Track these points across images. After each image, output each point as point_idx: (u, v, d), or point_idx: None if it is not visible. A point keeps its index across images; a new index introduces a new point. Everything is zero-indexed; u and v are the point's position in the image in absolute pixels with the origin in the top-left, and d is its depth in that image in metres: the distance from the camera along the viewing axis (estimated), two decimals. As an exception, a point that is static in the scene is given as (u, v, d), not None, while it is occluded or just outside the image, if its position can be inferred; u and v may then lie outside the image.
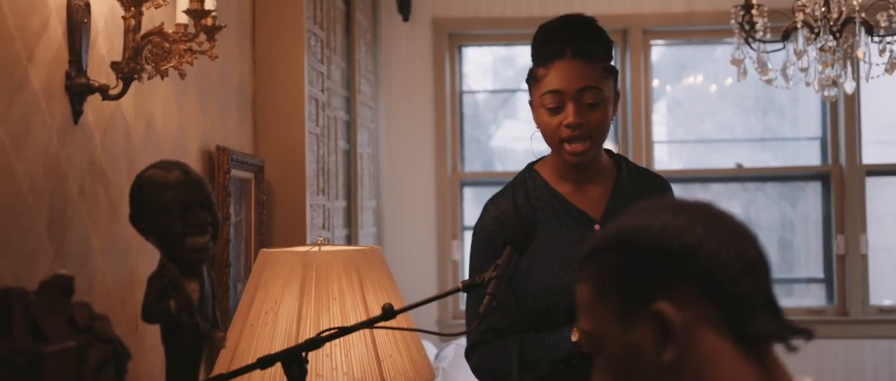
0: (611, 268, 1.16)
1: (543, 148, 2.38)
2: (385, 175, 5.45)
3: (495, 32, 5.66)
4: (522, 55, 6.02)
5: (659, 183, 2.39)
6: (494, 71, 5.98)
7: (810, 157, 5.73)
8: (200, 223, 1.71)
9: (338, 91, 4.40)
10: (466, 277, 2.44)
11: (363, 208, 4.88)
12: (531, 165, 2.43)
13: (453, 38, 5.65)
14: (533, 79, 2.31)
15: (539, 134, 2.37)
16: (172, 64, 2.07)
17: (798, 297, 5.72)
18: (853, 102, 5.46)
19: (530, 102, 2.35)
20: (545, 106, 2.27)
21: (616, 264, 1.15)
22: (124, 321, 2.26)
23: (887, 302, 5.62)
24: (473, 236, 2.42)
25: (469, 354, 2.36)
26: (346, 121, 4.60)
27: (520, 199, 2.36)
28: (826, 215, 5.66)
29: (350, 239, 4.66)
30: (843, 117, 5.53)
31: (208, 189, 1.75)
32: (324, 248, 2.50)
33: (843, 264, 5.54)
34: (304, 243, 3.41)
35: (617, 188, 2.34)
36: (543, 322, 2.28)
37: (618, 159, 2.41)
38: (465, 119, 5.81)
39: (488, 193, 5.86)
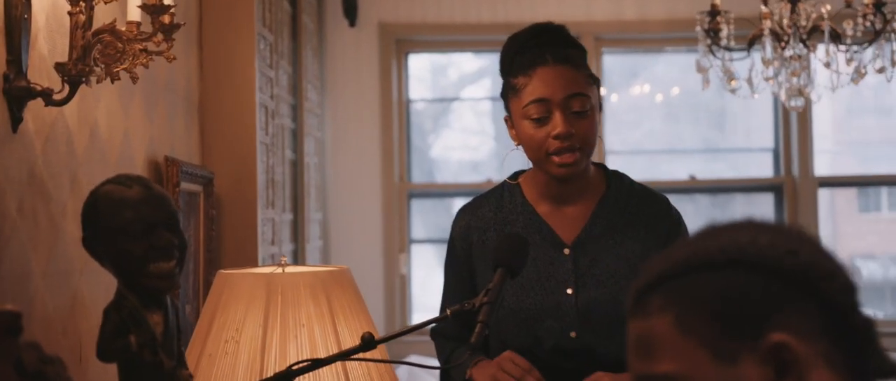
0: (709, 293, 0.97)
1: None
2: (331, 186, 5.22)
3: (443, 38, 5.48)
4: (460, 63, 5.85)
5: (656, 204, 2.19)
6: (432, 79, 5.80)
7: (762, 168, 5.65)
8: (165, 246, 1.49)
9: (285, 98, 4.18)
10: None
11: (310, 221, 4.65)
12: (515, 175, 2.25)
13: (401, 43, 5.45)
14: (511, 90, 2.12)
15: (517, 152, 2.19)
16: (125, 66, 1.84)
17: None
18: (805, 113, 5.39)
19: (507, 119, 2.17)
20: (529, 117, 2.08)
21: (718, 288, 0.97)
22: (66, 350, 2.02)
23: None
24: (447, 247, 2.26)
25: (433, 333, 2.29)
26: (292, 129, 4.38)
27: (489, 211, 2.19)
28: (790, 225, 5.57)
29: (297, 254, 4.43)
30: (795, 128, 5.45)
31: (173, 207, 1.54)
32: (288, 269, 2.28)
33: (796, 277, 5.45)
34: (255, 261, 3.19)
35: (598, 211, 2.16)
36: (499, 339, 2.13)
37: (610, 176, 2.23)
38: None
39: (434, 204, 5.69)
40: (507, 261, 1.88)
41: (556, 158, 2.07)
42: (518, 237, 1.96)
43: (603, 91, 5.56)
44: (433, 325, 2.19)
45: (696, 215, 5.62)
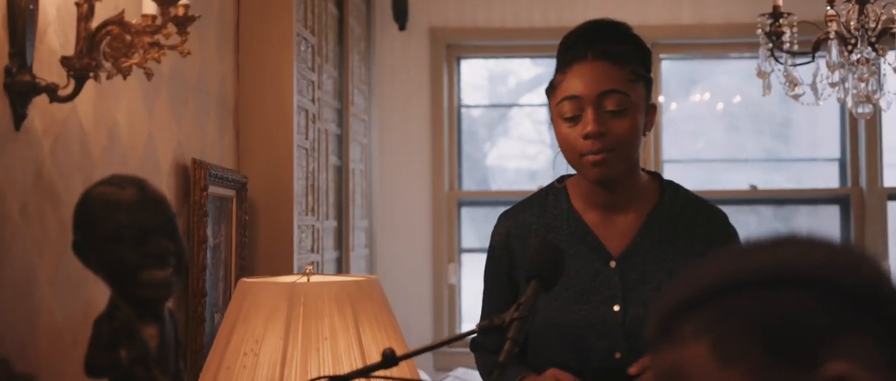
0: (754, 316, 0.81)
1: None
2: (378, 193, 5.11)
3: (495, 43, 5.34)
4: (518, 70, 5.70)
5: (712, 218, 2.03)
6: (489, 86, 5.65)
7: (828, 179, 5.42)
8: (161, 254, 1.38)
9: (329, 102, 4.07)
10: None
11: (355, 229, 4.54)
12: (562, 179, 2.10)
13: (451, 48, 5.32)
14: (551, 88, 2.00)
15: (562, 158, 2.05)
16: (135, 61, 1.73)
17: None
18: (874, 121, 5.15)
19: (550, 118, 2.03)
20: (563, 116, 1.94)
21: (764, 310, 0.81)
22: (76, 363, 1.91)
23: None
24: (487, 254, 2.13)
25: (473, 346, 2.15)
26: (337, 134, 4.27)
27: (532, 216, 2.04)
28: (844, 240, 5.33)
29: (341, 262, 4.32)
30: (863, 137, 5.22)
31: (171, 212, 1.42)
32: (313, 278, 2.16)
33: (863, 293, 5.21)
34: (291, 268, 3.08)
35: (649, 221, 2.00)
36: (538, 356, 1.98)
37: (665, 186, 2.07)
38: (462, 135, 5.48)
39: (487, 213, 5.55)
40: (540, 272, 1.74)
41: (587, 159, 1.93)
42: (553, 247, 1.82)
43: (661, 99, 5.38)
44: (472, 337, 2.08)
45: (758, 227, 5.41)
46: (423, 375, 4.56)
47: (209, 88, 2.82)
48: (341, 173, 4.34)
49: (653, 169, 5.14)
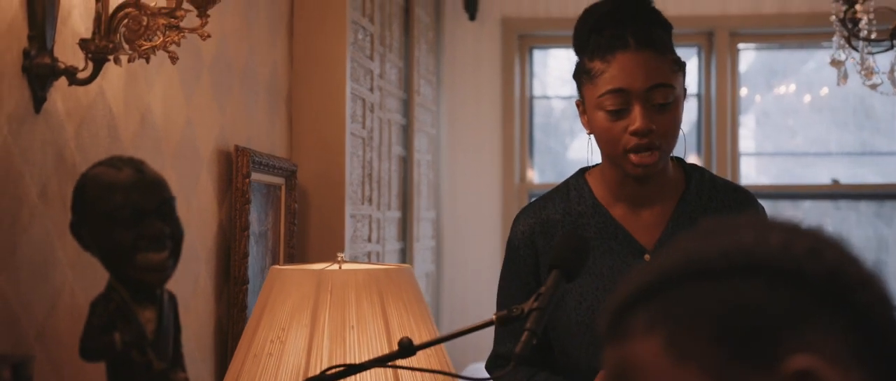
0: (710, 307, 0.75)
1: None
2: (446, 184, 5.07)
3: (568, 34, 5.23)
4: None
5: (740, 200, 1.95)
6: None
7: (917, 173, 5.20)
8: (156, 236, 1.36)
9: (393, 92, 4.05)
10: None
11: (421, 220, 4.51)
12: (581, 172, 2.02)
13: (524, 39, 5.25)
14: (585, 75, 1.88)
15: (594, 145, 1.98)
16: (156, 43, 1.72)
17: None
18: (965, 113, 4.92)
19: (579, 103, 1.95)
20: (604, 108, 1.85)
21: (721, 301, 0.75)
22: (103, 346, 1.92)
23: None
24: (505, 252, 2.04)
25: (489, 368, 2.03)
26: (402, 125, 4.24)
27: (556, 212, 1.96)
28: (810, 224, 5.09)
29: (405, 253, 4.30)
30: (953, 131, 4.99)
31: (168, 193, 1.40)
32: (345, 266, 2.13)
33: (952, 293, 4.99)
34: (341, 258, 3.06)
35: (679, 210, 1.92)
36: (569, 360, 1.91)
37: (689, 172, 1.98)
38: (538, 127, 5.40)
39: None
40: (563, 262, 1.67)
41: (633, 157, 1.84)
42: (577, 237, 1.75)
43: (744, 91, 5.23)
44: (489, 358, 2.02)
45: (842, 224, 5.22)
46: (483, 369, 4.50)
47: (258, 75, 2.81)
48: (406, 163, 4.31)
49: (729, 164, 5.02)
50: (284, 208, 2.89)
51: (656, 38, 1.85)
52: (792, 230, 0.77)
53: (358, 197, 3.41)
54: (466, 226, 5.11)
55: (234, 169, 2.53)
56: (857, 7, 3.52)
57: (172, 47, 1.76)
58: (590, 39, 1.89)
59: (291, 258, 2.90)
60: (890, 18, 3.57)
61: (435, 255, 4.90)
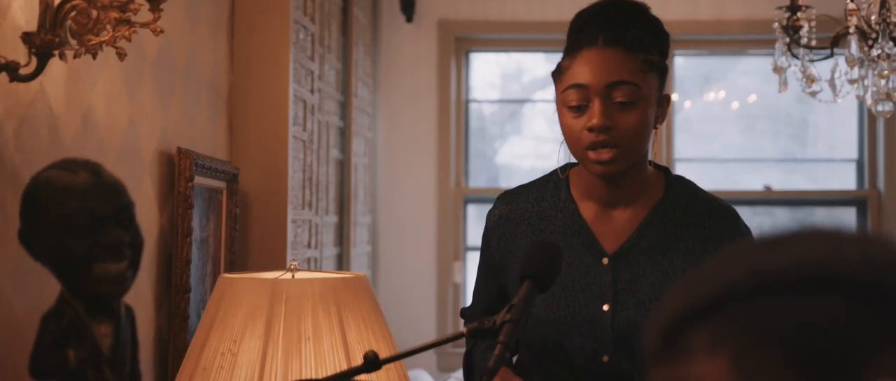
0: (781, 325, 0.67)
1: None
2: (382, 188, 4.99)
3: (506, 37, 5.21)
4: (531, 67, 5.57)
5: (718, 216, 1.88)
6: (502, 82, 5.51)
7: (845, 180, 5.27)
8: (114, 244, 1.26)
9: (331, 94, 3.95)
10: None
11: (357, 225, 4.42)
12: (566, 167, 1.97)
13: (461, 42, 5.19)
14: (557, 72, 1.86)
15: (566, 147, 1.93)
16: (104, 39, 1.61)
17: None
18: (893, 121, 5.00)
19: (556, 102, 1.91)
20: (567, 104, 1.81)
21: (793, 318, 0.67)
22: (43, 361, 1.80)
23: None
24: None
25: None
26: (339, 127, 4.15)
27: (528, 203, 1.92)
28: (879, 233, 5.18)
29: (341, 258, 4.20)
30: (882, 138, 5.07)
31: (127, 198, 1.30)
32: (298, 274, 2.04)
33: (880, 299, 5.06)
34: (284, 264, 2.96)
35: (650, 218, 1.87)
36: (529, 354, 1.89)
37: (672, 183, 1.93)
38: (471, 131, 5.35)
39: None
40: (535, 273, 1.61)
41: (591, 154, 1.80)
42: (549, 246, 1.69)
43: (675, 96, 5.24)
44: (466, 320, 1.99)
45: (773, 228, 5.26)
46: (425, 376, 4.44)
47: (200, 75, 2.70)
48: (343, 167, 4.22)
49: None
50: (226, 213, 2.78)
51: (630, 36, 1.80)
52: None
53: (299, 202, 3.31)
54: (402, 231, 5.03)
55: (176, 172, 2.42)
56: (799, 15, 3.54)
57: (121, 43, 1.66)
58: (570, 39, 1.86)
59: (232, 265, 2.80)
60: (831, 27, 3.59)
61: (371, 260, 4.81)
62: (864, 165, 5.18)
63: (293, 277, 2.02)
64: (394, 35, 5.02)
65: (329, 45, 3.88)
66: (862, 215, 5.18)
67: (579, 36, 1.83)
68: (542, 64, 5.59)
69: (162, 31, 1.68)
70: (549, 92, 5.74)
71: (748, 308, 0.68)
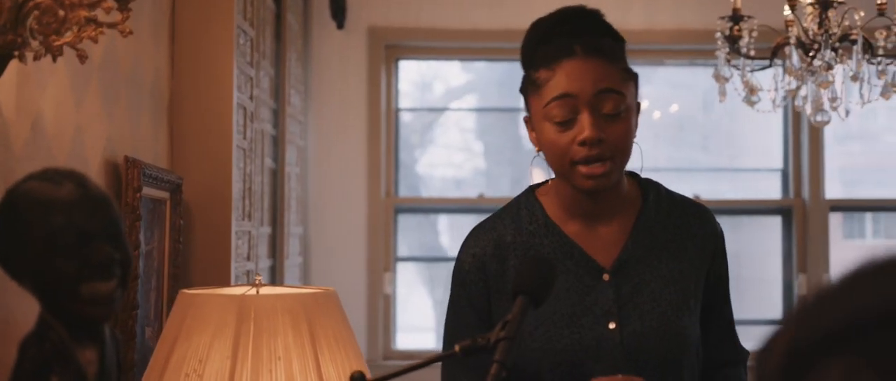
0: None
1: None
2: (313, 199, 4.87)
3: (438, 45, 5.15)
4: (447, 76, 5.52)
5: (699, 215, 1.87)
6: (418, 92, 5.45)
7: (771, 190, 5.34)
8: (104, 263, 1.15)
9: (266, 101, 3.84)
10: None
11: (289, 236, 4.30)
12: (531, 190, 1.90)
13: (391, 49, 5.11)
14: (532, 86, 1.78)
15: (541, 159, 1.86)
16: (68, 39, 1.50)
17: (756, 340, 5.31)
18: (817, 133, 5.09)
19: (526, 119, 1.83)
20: (551, 119, 1.74)
21: None
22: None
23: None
24: (452, 277, 1.90)
25: None
26: (273, 136, 4.03)
27: (507, 233, 1.83)
28: (787, 252, 5.27)
29: (274, 270, 4.08)
30: (806, 149, 5.15)
31: (116, 212, 1.19)
32: (263, 289, 1.94)
33: (805, 306, 5.13)
34: (228, 278, 2.84)
35: (638, 226, 1.82)
36: None
37: (646, 186, 1.90)
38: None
39: (419, 221, 5.34)
40: (528, 288, 1.55)
41: (582, 169, 1.73)
42: (542, 260, 1.64)
43: (645, 104, 5.21)
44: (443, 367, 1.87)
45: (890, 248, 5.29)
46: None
47: (143, 80, 2.57)
48: (276, 177, 4.10)
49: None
50: (169, 224, 2.66)
51: (605, 46, 1.76)
52: None
53: (240, 212, 3.19)
54: (333, 242, 4.93)
55: (123, 183, 2.29)
56: (742, 25, 3.56)
57: (84, 44, 1.54)
58: (537, 51, 1.79)
59: (176, 279, 2.67)
60: (771, 37, 3.62)
61: (303, 272, 4.69)
62: (789, 175, 5.26)
63: (258, 292, 1.92)
64: (325, 42, 4.92)
65: (264, 51, 3.76)
66: (787, 224, 5.25)
67: (549, 47, 1.76)
68: (458, 74, 5.55)
69: (131, 32, 1.57)
70: (466, 101, 5.73)
71: (883, 340, 0.62)
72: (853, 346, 0.63)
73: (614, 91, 1.73)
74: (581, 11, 1.82)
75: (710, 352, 1.85)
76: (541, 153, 1.82)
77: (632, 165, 1.85)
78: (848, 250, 5.34)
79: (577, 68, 1.73)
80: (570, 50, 1.74)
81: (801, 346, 0.65)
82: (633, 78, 1.80)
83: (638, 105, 1.82)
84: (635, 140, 1.81)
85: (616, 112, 1.73)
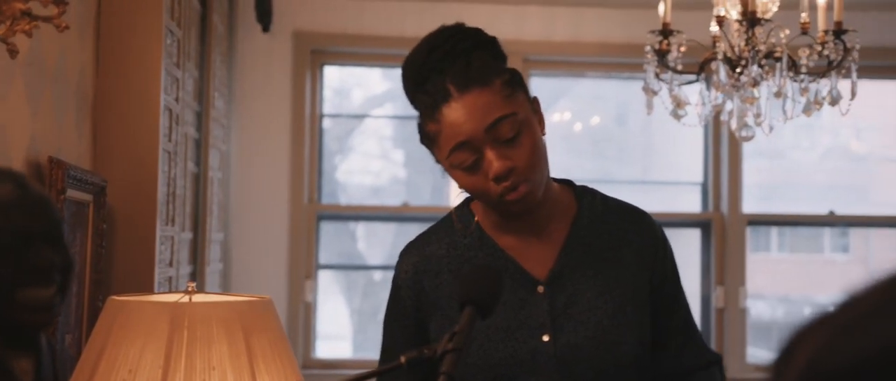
0: None
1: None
2: (235, 204, 4.78)
3: (364, 51, 5.10)
4: (367, 83, 5.49)
5: (635, 220, 1.83)
6: (337, 98, 5.40)
7: (690, 203, 5.42)
8: (44, 267, 1.09)
9: (190, 104, 3.75)
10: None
11: (211, 242, 4.21)
12: (466, 202, 1.87)
13: (316, 54, 5.05)
14: (429, 141, 1.72)
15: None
16: (0, 32, 1.43)
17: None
18: (736, 147, 5.18)
19: (441, 168, 1.78)
20: (458, 167, 1.68)
21: None
22: None
23: (764, 359, 5.34)
24: (389, 294, 1.86)
25: None
26: (196, 139, 3.94)
27: (441, 247, 1.80)
28: (705, 264, 5.35)
29: (195, 277, 3.99)
30: (726, 163, 5.24)
31: (57, 214, 1.13)
32: (195, 297, 1.88)
33: (722, 318, 5.22)
34: (151, 284, 2.76)
35: (572, 237, 1.80)
36: None
37: (580, 195, 1.86)
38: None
39: (338, 228, 5.28)
40: (475, 298, 1.52)
41: (506, 199, 1.69)
42: (489, 269, 1.61)
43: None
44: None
45: None
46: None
47: (68, 78, 2.48)
48: (199, 181, 4.01)
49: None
50: (92, 228, 2.57)
51: (474, 70, 1.67)
52: None
53: (164, 217, 3.11)
54: (255, 248, 4.84)
55: (47, 184, 2.20)
56: (671, 39, 3.59)
57: (16, 38, 1.47)
58: (416, 98, 1.72)
59: (98, 286, 2.58)
60: (699, 53, 3.67)
61: (223, 279, 4.59)
62: (709, 189, 5.33)
63: (191, 299, 1.86)
64: (250, 45, 4.83)
65: (189, 53, 3.68)
66: (705, 237, 5.33)
67: (425, 94, 1.69)
68: (379, 81, 5.52)
69: (67, 27, 1.50)
70: (389, 109, 5.69)
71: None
72: (879, 375, 0.60)
73: (503, 117, 1.65)
74: (438, 41, 1.71)
75: (673, 362, 1.82)
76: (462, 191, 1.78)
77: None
78: (755, 263, 5.44)
79: (459, 112, 1.65)
80: (445, 92, 1.66)
81: (822, 369, 0.63)
82: (518, 83, 1.71)
83: (534, 101, 1.75)
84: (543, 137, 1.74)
85: (515, 134, 1.66)
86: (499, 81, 1.68)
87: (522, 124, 1.67)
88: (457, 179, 1.72)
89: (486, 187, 1.68)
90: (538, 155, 1.70)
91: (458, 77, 1.65)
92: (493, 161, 1.65)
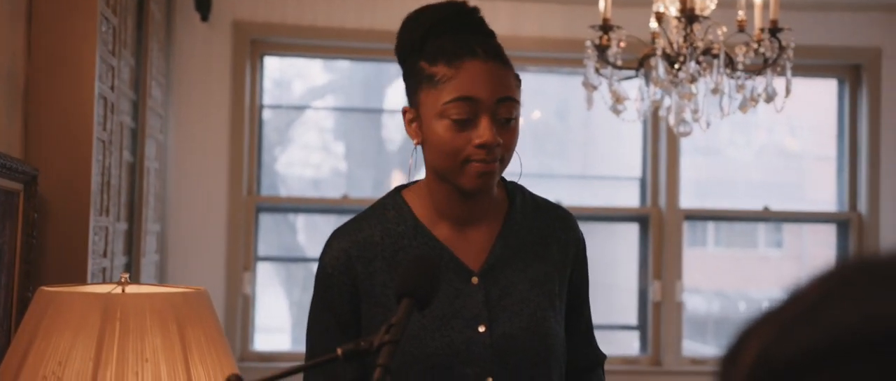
0: None
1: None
2: (172, 195, 4.72)
3: (304, 42, 5.06)
4: (307, 74, 5.45)
5: (562, 217, 1.90)
6: (277, 89, 5.36)
7: (629, 198, 5.46)
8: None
9: (126, 93, 3.69)
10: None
11: (147, 233, 4.15)
12: (398, 190, 1.87)
13: (256, 44, 5.00)
14: (427, 80, 1.73)
15: (420, 155, 1.84)
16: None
17: (613, 345, 5.42)
18: (674, 143, 5.24)
19: (409, 110, 1.79)
20: (449, 117, 1.71)
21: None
22: None
23: (700, 352, 5.42)
24: (315, 282, 1.84)
25: None
26: (132, 128, 3.88)
27: (375, 234, 1.80)
28: (643, 259, 5.40)
29: (131, 268, 3.93)
30: (664, 158, 5.29)
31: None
32: (129, 288, 1.85)
33: (659, 312, 5.28)
34: (85, 276, 2.71)
35: (506, 230, 1.83)
36: None
37: (511, 190, 1.90)
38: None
39: (277, 220, 5.24)
40: (414, 290, 1.51)
41: (476, 167, 1.72)
42: (427, 260, 1.60)
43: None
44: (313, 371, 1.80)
45: (872, 255, 5.36)
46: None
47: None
48: (135, 171, 3.95)
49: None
50: (22, 218, 2.51)
51: (500, 51, 1.77)
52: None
53: (97, 207, 3.05)
54: (192, 240, 4.78)
55: (-25, 172, 2.15)
56: (611, 34, 3.62)
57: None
58: (427, 41, 1.76)
59: (28, 277, 2.53)
60: (638, 49, 3.69)
61: (159, 270, 4.53)
62: (647, 184, 5.39)
63: (124, 290, 1.83)
64: (188, 34, 4.77)
65: (125, 40, 3.62)
66: (643, 231, 5.38)
67: (446, 41, 1.74)
68: (320, 72, 5.48)
69: (-4, 10, 1.46)
70: (329, 101, 5.65)
71: (863, 362, 0.60)
72: (830, 369, 0.60)
73: (512, 99, 1.73)
74: (468, 8, 1.80)
75: (568, 356, 1.87)
76: (418, 146, 1.79)
77: (511, 170, 1.85)
78: (692, 258, 5.51)
79: (481, 72, 1.70)
80: (472, 50, 1.71)
81: (773, 363, 0.62)
82: (520, 84, 1.80)
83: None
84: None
85: (510, 118, 1.73)
86: (513, 72, 1.77)
87: (516, 117, 1.75)
88: (433, 129, 1.72)
89: (463, 147, 1.70)
90: (513, 149, 1.77)
91: (486, 46, 1.72)
92: (487, 129, 1.69)
